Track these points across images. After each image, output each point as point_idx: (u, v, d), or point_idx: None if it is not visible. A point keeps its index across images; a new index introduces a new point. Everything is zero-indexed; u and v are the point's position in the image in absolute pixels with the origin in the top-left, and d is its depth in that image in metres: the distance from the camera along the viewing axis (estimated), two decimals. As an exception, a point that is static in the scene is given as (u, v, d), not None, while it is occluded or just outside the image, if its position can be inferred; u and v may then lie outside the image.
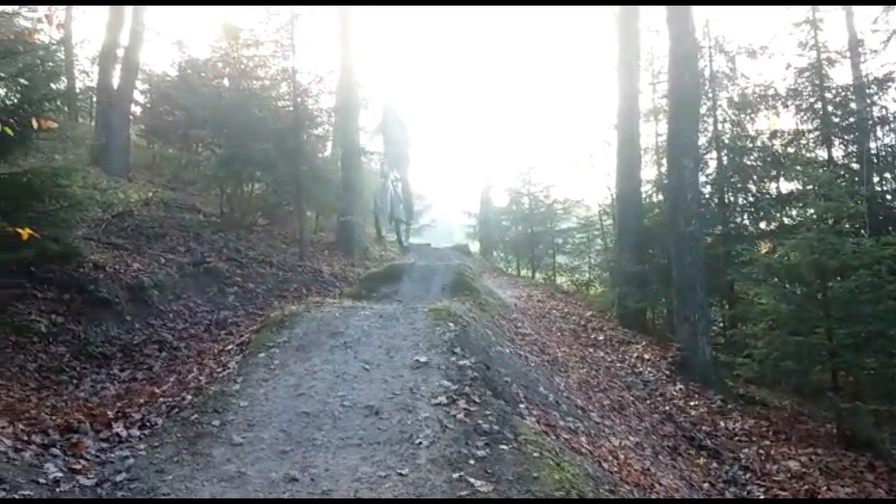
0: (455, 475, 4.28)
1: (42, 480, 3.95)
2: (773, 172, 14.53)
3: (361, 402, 5.40)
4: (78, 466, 4.26)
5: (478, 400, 5.42)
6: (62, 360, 6.76)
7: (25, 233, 4.65)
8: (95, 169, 13.45)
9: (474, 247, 26.58)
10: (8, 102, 8.22)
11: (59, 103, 11.07)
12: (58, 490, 3.90)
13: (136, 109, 18.76)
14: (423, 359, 6.27)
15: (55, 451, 4.41)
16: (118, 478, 4.18)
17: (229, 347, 6.90)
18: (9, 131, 4.66)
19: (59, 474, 4.08)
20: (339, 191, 16.04)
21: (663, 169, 15.74)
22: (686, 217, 11.97)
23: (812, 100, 13.87)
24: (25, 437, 4.45)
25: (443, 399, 5.43)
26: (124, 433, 4.92)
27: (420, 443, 4.74)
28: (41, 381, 6.27)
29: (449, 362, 6.21)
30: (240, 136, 13.75)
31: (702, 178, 14.28)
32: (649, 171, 17.41)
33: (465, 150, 45.34)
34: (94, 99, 18.83)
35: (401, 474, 4.31)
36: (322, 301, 8.74)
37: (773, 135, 14.64)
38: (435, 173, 61.83)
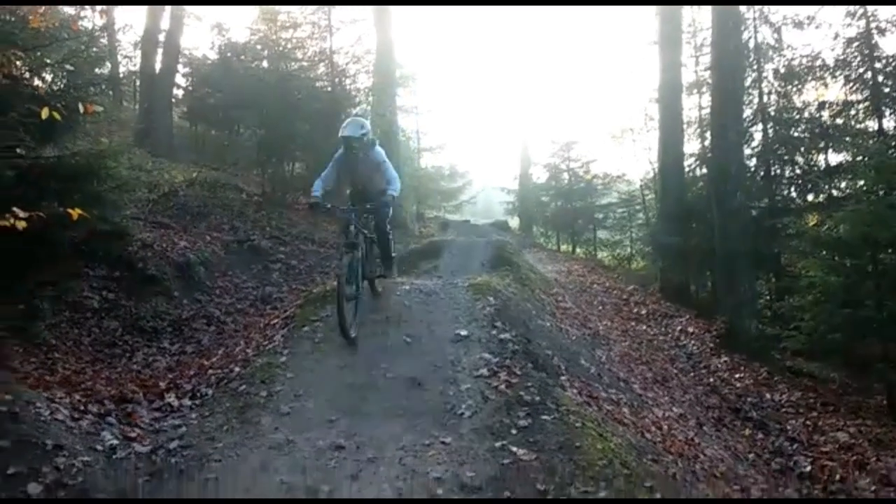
0: (497, 444, 4.33)
1: (99, 447, 4.11)
2: (821, 144, 14.10)
3: (404, 375, 5.47)
4: (133, 434, 4.42)
5: (519, 372, 5.44)
6: (115, 334, 6.98)
7: (76, 213, 4.77)
8: (140, 151, 13.75)
9: (513, 223, 26.50)
10: (55, 88, 8.43)
11: (103, 88, 11.35)
12: (114, 457, 4.05)
13: (178, 92, 19.12)
14: (464, 332, 6.30)
15: (111, 419, 4.58)
16: (171, 445, 4.33)
17: (274, 322, 7.03)
18: (57, 116, 4.78)
19: (115, 441, 4.24)
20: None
21: (706, 142, 15.44)
22: (731, 190, 11.75)
23: (861, 70, 13.37)
24: (82, 407, 4.62)
25: (484, 371, 5.47)
26: (176, 403, 5.08)
27: (462, 413, 4.79)
28: (95, 354, 6.49)
29: (490, 336, 6.24)
30: (279, 117, 13.92)
31: (747, 151, 13.99)
32: (692, 145, 17.14)
33: (504, 126, 45.01)
34: (137, 83, 19.24)
35: (444, 443, 4.37)
36: (364, 277, 8.82)
37: (821, 106, 14.15)
38: (473, 150, 61.59)
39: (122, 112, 17.64)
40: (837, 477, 6.54)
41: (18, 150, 6.79)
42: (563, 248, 23.30)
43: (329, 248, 11.87)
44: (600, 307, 12.18)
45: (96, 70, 9.22)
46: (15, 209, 4.11)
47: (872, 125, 13.42)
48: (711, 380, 9.41)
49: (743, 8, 14.04)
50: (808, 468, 6.81)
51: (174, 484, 3.89)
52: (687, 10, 16.94)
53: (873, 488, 6.24)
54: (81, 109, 5.30)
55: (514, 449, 4.24)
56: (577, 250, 22.61)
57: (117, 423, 4.55)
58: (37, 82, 7.90)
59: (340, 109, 14.83)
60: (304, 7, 17.32)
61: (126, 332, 7.09)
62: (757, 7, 14.79)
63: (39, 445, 3.71)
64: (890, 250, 9.16)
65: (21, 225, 4.10)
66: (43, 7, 5.75)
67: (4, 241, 4.55)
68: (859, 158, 11.87)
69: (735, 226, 11.59)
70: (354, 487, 3.87)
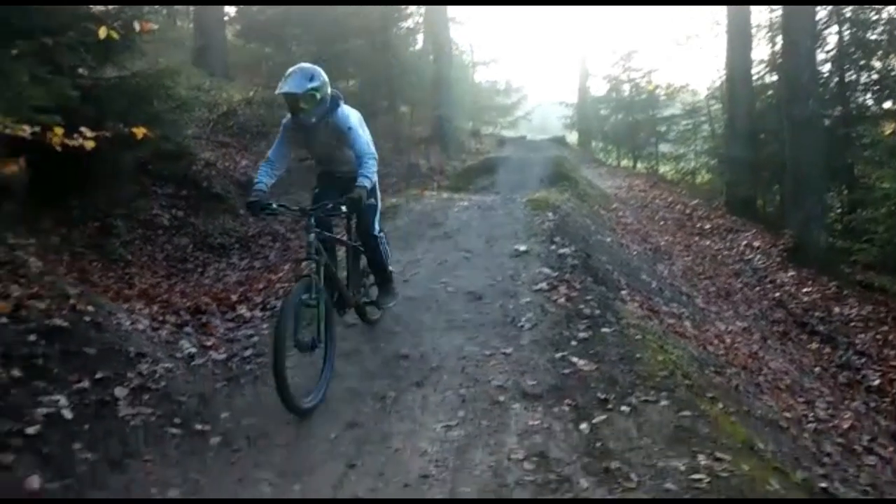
0: (557, 355, 4.37)
1: (178, 355, 4.34)
2: (901, 47, 13.16)
3: (464, 288, 5.54)
4: (209, 343, 4.65)
5: (578, 286, 5.44)
6: (186, 250, 7.27)
7: (140, 132, 4.84)
8: (197, 70, 13.84)
9: (572, 138, 25.93)
10: (110, 7, 8.48)
11: (157, 6, 11.34)
12: (193, 363, 4.28)
13: (231, 10, 18.97)
14: (522, 247, 6.31)
15: (188, 329, 4.82)
16: (245, 353, 4.54)
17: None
18: (114, 34, 4.79)
19: (193, 350, 4.47)
20: (432, 85, 15.88)
21: (777, 48, 14.56)
22: (803, 98, 11.16)
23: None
24: (161, 318, 4.87)
25: (543, 285, 5.48)
26: (248, 314, 5.29)
27: (522, 325, 4.84)
28: (169, 269, 6.79)
29: (549, 251, 6.22)
30: (330, 33, 13.75)
31: (820, 56, 13.15)
32: (762, 51, 16.17)
33: (561, 37, 43.33)
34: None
35: (505, 353, 4.44)
36: (421, 193, 8.86)
37: (901, 6, 13.13)
38: (529, 64, 59.77)
39: (176, 31, 17.68)
40: (907, 389, 6.45)
41: (81, 70, 6.93)
42: (624, 162, 22.75)
43: (385, 165, 11.87)
44: (662, 222, 11.96)
45: (149, -12, 9.23)
46: (82, 129, 4.21)
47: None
48: (777, 294, 9.23)
49: None
50: (877, 382, 6.73)
51: (249, 389, 4.10)
52: None
53: (944, 401, 6.13)
54: (137, 28, 5.29)
55: (574, 359, 4.28)
56: (639, 165, 22.04)
57: (194, 333, 4.78)
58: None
59: (392, 22, 14.55)
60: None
61: (196, 248, 7.38)
62: None
63: (123, 353, 3.92)
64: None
65: (89, 145, 4.20)
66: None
67: (74, 161, 4.70)
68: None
69: (806, 136, 11.06)
70: (419, 394, 4.00)
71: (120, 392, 3.63)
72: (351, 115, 4.43)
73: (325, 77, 4.26)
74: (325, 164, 4.79)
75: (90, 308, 4.10)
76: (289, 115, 4.36)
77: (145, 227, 7.23)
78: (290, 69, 4.26)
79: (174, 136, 7.85)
